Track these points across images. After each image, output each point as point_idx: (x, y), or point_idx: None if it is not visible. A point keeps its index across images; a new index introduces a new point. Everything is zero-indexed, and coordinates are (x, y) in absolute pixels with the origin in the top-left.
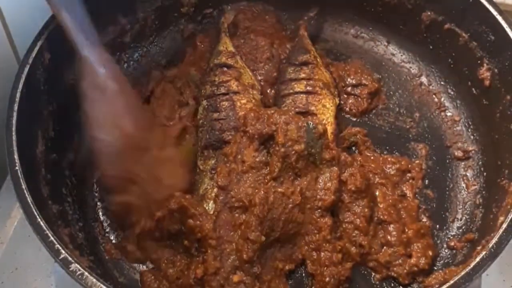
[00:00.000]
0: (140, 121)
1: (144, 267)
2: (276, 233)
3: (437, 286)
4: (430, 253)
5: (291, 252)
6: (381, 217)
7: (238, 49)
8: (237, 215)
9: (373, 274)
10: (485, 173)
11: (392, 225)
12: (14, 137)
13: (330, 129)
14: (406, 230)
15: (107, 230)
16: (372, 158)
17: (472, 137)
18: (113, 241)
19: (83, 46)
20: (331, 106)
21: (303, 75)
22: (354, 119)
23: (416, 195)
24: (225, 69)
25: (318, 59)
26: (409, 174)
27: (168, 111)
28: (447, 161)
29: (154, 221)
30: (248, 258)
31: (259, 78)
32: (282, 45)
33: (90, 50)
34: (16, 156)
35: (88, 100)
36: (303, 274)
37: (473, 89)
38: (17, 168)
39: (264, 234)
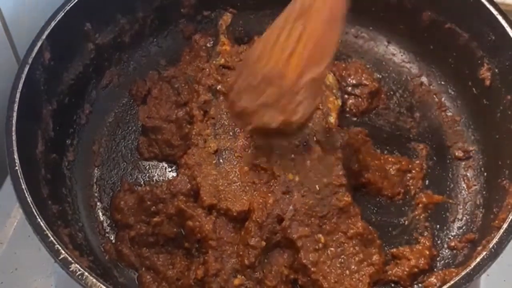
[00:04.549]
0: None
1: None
2: (278, 237)
3: (437, 286)
4: (427, 252)
5: (294, 259)
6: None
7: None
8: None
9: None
10: (485, 173)
11: None
12: (14, 137)
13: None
14: None
15: (107, 230)
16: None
17: (472, 137)
18: (113, 241)
19: None
20: (333, 107)
21: None
22: (355, 119)
23: (417, 195)
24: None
25: None
26: (409, 174)
27: (165, 111)
28: (448, 161)
29: (151, 226)
30: (249, 263)
31: None
32: None
33: None
34: (16, 156)
35: None
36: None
37: (474, 89)
38: (17, 168)
39: (265, 239)
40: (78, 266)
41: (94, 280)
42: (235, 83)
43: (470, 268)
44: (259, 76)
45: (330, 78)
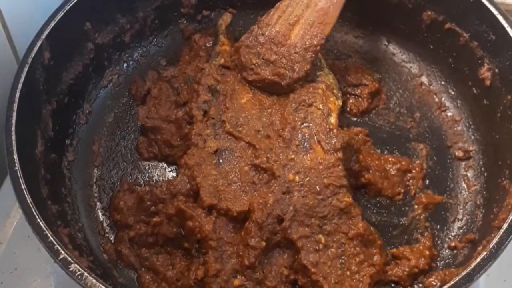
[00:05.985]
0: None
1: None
2: (278, 238)
3: (437, 286)
4: (428, 252)
5: (294, 260)
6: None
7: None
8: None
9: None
10: (485, 173)
11: None
12: (13, 137)
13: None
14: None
15: (107, 230)
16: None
17: (472, 137)
18: (113, 242)
19: None
20: (333, 107)
21: None
22: (355, 119)
23: (417, 195)
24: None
25: (322, 61)
26: (409, 174)
27: (165, 111)
28: (448, 161)
29: (150, 226)
30: (249, 264)
31: None
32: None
33: None
34: (15, 156)
35: None
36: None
37: (474, 89)
38: (16, 168)
39: (265, 239)
40: (77, 266)
41: (94, 280)
42: (246, 39)
43: (471, 268)
44: (266, 36)
45: (330, 78)
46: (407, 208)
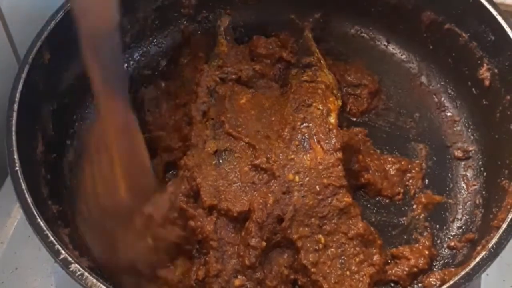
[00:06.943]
0: (139, 190)
1: None
2: (278, 237)
3: (437, 286)
4: (427, 252)
5: (294, 259)
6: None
7: None
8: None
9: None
10: (485, 173)
11: None
12: (14, 137)
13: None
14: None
15: None
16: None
17: (472, 137)
18: None
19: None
20: (333, 107)
21: (305, 78)
22: (354, 119)
23: (416, 195)
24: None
25: (322, 61)
26: (409, 174)
27: (164, 112)
28: (447, 161)
29: None
30: (250, 264)
31: None
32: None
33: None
34: (16, 156)
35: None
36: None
37: (473, 89)
38: (17, 168)
39: (265, 239)
40: (78, 266)
41: (94, 280)
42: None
43: (470, 268)
44: (102, 215)
45: (330, 78)
46: (406, 208)
